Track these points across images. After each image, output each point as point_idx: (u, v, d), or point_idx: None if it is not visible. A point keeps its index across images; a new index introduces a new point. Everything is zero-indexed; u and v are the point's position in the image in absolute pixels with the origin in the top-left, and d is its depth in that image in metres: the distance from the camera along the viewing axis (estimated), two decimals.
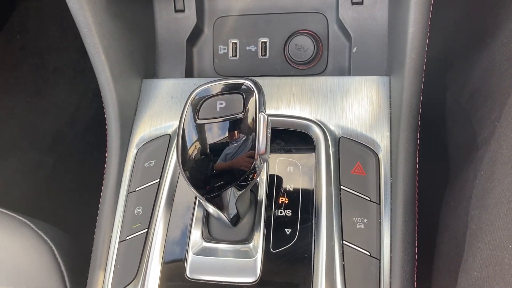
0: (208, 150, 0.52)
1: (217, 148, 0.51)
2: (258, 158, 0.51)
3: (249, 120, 0.50)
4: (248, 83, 0.51)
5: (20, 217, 0.85)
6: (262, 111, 0.51)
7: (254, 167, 0.51)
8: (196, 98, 0.52)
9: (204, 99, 0.52)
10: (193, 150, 0.52)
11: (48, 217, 1.39)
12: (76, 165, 1.66)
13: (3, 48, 1.87)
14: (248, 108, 0.51)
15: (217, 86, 0.52)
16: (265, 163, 0.61)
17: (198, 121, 0.52)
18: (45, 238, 0.83)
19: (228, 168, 0.51)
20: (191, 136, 0.52)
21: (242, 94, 0.51)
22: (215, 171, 0.52)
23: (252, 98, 0.51)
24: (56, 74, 1.82)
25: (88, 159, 1.66)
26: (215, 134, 0.51)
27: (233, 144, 0.51)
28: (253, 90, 0.51)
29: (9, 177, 1.67)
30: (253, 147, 0.50)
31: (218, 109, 0.51)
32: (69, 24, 1.85)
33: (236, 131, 0.51)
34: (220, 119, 0.51)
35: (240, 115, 0.51)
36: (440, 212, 0.75)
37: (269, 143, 0.52)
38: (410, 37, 0.62)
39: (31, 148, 1.72)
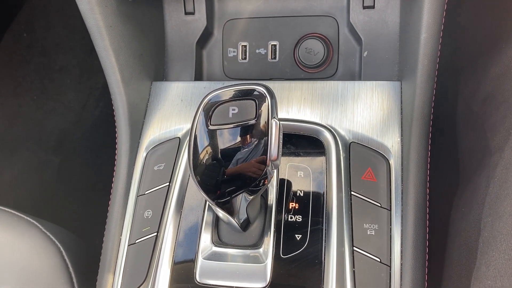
0: (219, 155, 0.51)
1: (229, 153, 0.51)
2: (270, 164, 0.51)
3: (261, 126, 0.50)
4: (261, 89, 0.51)
5: (28, 218, 0.85)
6: (274, 117, 0.51)
7: (266, 173, 0.51)
8: (208, 103, 0.52)
9: (216, 105, 0.52)
10: (205, 155, 0.52)
11: (54, 216, 1.39)
12: (82, 165, 1.67)
13: (10, 46, 1.88)
14: (261, 114, 0.50)
15: (230, 91, 0.52)
16: (276, 169, 0.61)
17: (210, 127, 0.52)
18: (54, 239, 0.83)
19: (240, 174, 0.51)
20: (203, 141, 0.52)
21: (254, 100, 0.51)
22: (226, 176, 0.51)
23: (264, 104, 0.51)
24: (62, 73, 1.83)
25: (95, 158, 1.67)
26: (227, 139, 0.51)
27: (244, 150, 0.51)
28: (266, 96, 0.51)
29: (15, 176, 1.68)
30: (265, 153, 0.50)
31: (230, 115, 0.51)
32: (76, 23, 1.86)
33: (248, 137, 0.51)
34: (232, 125, 0.51)
35: (253, 121, 0.51)
36: (450, 218, 0.74)
37: (281, 149, 0.52)
38: (422, 43, 0.62)
39: (37, 147, 1.72)
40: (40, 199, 1.60)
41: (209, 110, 0.52)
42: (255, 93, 0.51)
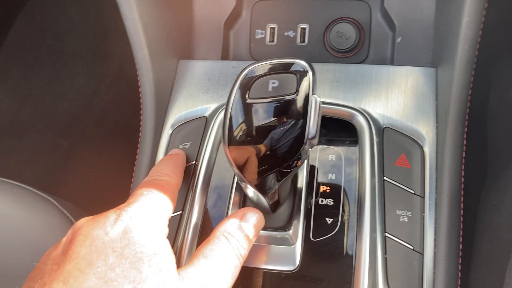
0: (254, 132, 0.50)
1: (265, 130, 0.49)
2: (307, 142, 0.49)
3: (301, 101, 0.48)
4: (302, 63, 0.49)
5: (44, 195, 0.83)
6: (314, 94, 0.49)
7: (300, 153, 0.49)
8: (246, 76, 0.50)
9: (256, 77, 0.50)
10: (240, 130, 0.50)
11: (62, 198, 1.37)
12: (91, 150, 1.65)
13: (22, 29, 1.86)
14: (301, 89, 0.49)
15: (269, 65, 0.50)
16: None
17: (248, 100, 0.50)
18: (69, 216, 0.82)
19: (274, 152, 0.49)
20: (239, 116, 0.50)
21: (296, 74, 0.49)
22: (261, 154, 0.50)
23: (305, 79, 0.49)
24: (74, 57, 1.81)
25: (104, 144, 1.65)
26: (264, 115, 0.49)
27: (281, 127, 0.49)
28: (308, 71, 0.49)
29: (23, 158, 1.66)
30: (302, 131, 0.48)
31: (270, 89, 0.49)
32: (89, 8, 1.84)
33: (287, 113, 0.49)
34: (271, 99, 0.49)
35: (293, 96, 0.49)
36: (477, 210, 0.73)
37: (319, 128, 0.50)
38: (464, 27, 0.60)
39: (47, 130, 1.70)
40: (48, 182, 1.58)
41: (248, 83, 0.50)
42: (296, 67, 0.49)
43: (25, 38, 1.85)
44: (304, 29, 0.81)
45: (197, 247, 0.60)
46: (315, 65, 0.71)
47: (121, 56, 1.76)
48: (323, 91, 0.69)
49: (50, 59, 1.82)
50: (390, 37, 0.78)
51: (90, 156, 1.63)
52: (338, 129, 0.66)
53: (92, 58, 1.80)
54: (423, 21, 0.74)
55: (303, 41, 0.81)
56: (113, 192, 1.20)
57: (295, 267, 0.58)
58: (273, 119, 0.49)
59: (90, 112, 1.73)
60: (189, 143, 0.69)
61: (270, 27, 0.82)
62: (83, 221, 0.46)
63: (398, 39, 0.75)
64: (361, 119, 0.65)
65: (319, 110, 0.49)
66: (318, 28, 0.80)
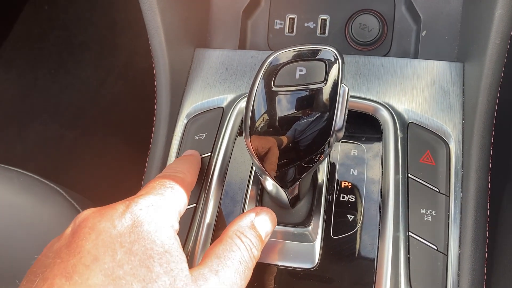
0: (278, 122, 0.47)
1: (289, 120, 0.47)
2: (334, 134, 0.46)
3: (329, 91, 0.46)
4: (332, 50, 0.47)
5: (52, 184, 0.81)
6: (343, 83, 0.47)
7: (326, 146, 0.46)
8: (271, 64, 0.48)
9: (283, 64, 0.47)
10: (263, 120, 0.47)
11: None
12: (97, 142, 1.62)
13: (30, 18, 1.84)
14: (330, 78, 0.46)
15: (296, 52, 0.48)
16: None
17: (274, 88, 0.47)
18: (77, 207, 0.80)
19: (298, 144, 0.47)
20: (263, 105, 0.47)
21: (325, 62, 0.47)
22: (284, 146, 0.47)
23: (334, 67, 0.46)
24: (82, 48, 1.78)
25: (110, 136, 1.62)
26: (289, 104, 0.47)
27: (307, 118, 0.46)
28: (337, 59, 0.47)
29: (28, 149, 1.64)
30: (328, 122, 0.46)
31: (297, 76, 0.47)
32: None
33: (313, 103, 0.46)
34: (299, 87, 0.46)
35: (321, 85, 0.46)
36: (502, 211, 0.70)
37: (345, 120, 0.47)
38: (496, 20, 0.58)
39: (52, 121, 1.68)
40: (52, 173, 1.56)
41: (274, 70, 0.47)
42: (325, 54, 0.47)
43: (32, 28, 1.83)
44: (324, 20, 0.78)
45: (211, 244, 0.58)
46: None
47: (129, 48, 1.74)
48: (345, 83, 0.66)
49: (57, 49, 1.80)
50: (414, 30, 0.75)
51: (96, 148, 1.61)
52: (361, 123, 0.64)
53: (99, 49, 1.78)
54: (450, 14, 0.72)
55: (324, 33, 0.78)
56: (119, 185, 1.18)
57: (314, 265, 0.56)
58: (298, 109, 0.46)
59: (97, 104, 1.70)
60: (204, 134, 0.67)
61: (290, 18, 0.80)
62: (89, 212, 0.43)
63: (423, 33, 0.73)
64: (385, 114, 0.63)
65: (347, 100, 0.47)
66: (340, 20, 0.77)
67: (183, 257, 0.42)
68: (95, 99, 1.71)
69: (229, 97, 0.69)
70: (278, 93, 0.47)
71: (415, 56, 0.74)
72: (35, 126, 1.69)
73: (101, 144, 1.62)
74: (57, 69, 1.77)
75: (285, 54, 0.48)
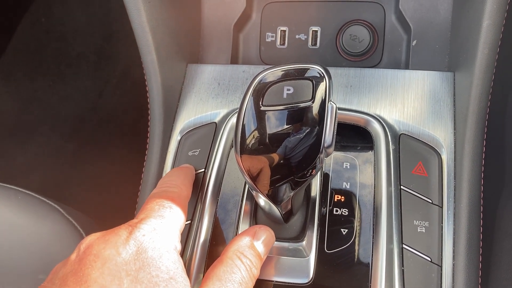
0: (267, 140, 0.48)
1: (279, 138, 0.47)
2: (323, 151, 0.47)
3: (317, 109, 0.46)
4: (318, 68, 0.47)
5: (50, 202, 0.82)
6: (331, 100, 0.47)
7: (315, 162, 0.47)
8: (260, 83, 0.48)
9: (270, 83, 0.48)
10: (253, 138, 0.48)
11: (67, 203, 1.36)
12: (97, 153, 1.63)
13: (28, 31, 1.85)
14: (317, 96, 0.47)
15: (283, 71, 0.48)
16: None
17: (262, 108, 0.48)
18: (75, 224, 0.80)
19: (288, 161, 0.47)
20: (253, 123, 0.48)
21: (311, 80, 0.47)
22: (275, 163, 0.48)
23: (321, 84, 0.47)
24: (80, 59, 1.79)
25: (110, 147, 1.63)
26: (278, 122, 0.47)
27: (296, 135, 0.47)
28: (324, 76, 0.47)
29: (29, 161, 1.65)
30: (318, 139, 0.46)
31: (285, 96, 0.47)
32: (94, 10, 1.83)
33: (302, 120, 0.47)
34: (286, 107, 0.47)
35: (308, 103, 0.47)
36: (497, 219, 0.70)
37: (335, 136, 0.48)
38: (484, 30, 0.58)
39: (52, 133, 1.69)
40: (53, 185, 1.57)
41: (261, 89, 0.48)
42: (312, 72, 0.47)
43: (30, 40, 1.84)
44: (315, 31, 0.79)
45: (206, 260, 0.59)
46: (330, 68, 0.69)
47: (126, 58, 1.75)
48: (336, 96, 0.67)
49: (55, 61, 1.81)
50: (405, 40, 0.75)
51: (96, 159, 1.62)
52: (353, 136, 0.64)
53: (97, 60, 1.79)
54: (440, 23, 0.72)
55: (315, 44, 0.79)
56: (119, 197, 1.19)
57: (309, 280, 0.56)
58: (287, 126, 0.47)
59: (95, 114, 1.71)
60: (198, 150, 0.67)
61: (281, 30, 0.80)
62: (93, 238, 0.44)
63: (414, 42, 0.73)
64: (376, 126, 0.63)
65: (335, 117, 0.48)
66: (330, 31, 0.78)
67: (187, 282, 0.43)
68: (94, 109, 1.72)
69: (222, 112, 0.69)
70: (266, 112, 0.48)
71: (406, 65, 0.74)
72: (36, 137, 1.70)
73: (101, 154, 1.63)
74: (56, 81, 1.78)
75: (273, 74, 0.48)
